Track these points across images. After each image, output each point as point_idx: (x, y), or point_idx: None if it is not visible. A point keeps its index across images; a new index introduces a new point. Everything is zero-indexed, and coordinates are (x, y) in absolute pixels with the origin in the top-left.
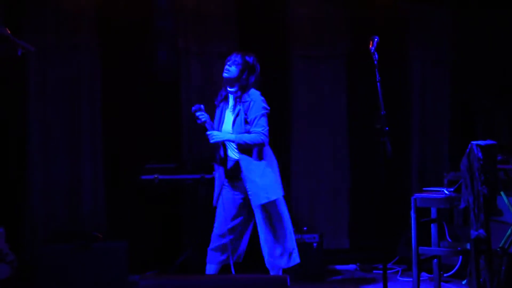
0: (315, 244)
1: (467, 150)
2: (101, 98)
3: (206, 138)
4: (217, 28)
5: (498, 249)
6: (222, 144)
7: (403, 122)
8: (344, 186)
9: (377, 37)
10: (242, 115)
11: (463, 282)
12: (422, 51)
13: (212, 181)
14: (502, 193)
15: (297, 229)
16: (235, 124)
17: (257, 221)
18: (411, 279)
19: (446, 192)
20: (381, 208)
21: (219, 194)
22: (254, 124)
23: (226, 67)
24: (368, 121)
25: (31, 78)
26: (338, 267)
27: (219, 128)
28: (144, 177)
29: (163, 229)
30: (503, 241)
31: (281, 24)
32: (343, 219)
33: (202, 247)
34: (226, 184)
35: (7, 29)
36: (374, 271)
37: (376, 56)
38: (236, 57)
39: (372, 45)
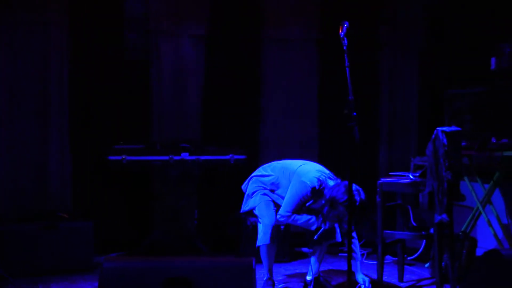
0: (282, 227)
1: (433, 136)
2: (69, 76)
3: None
4: (189, 9)
5: (460, 233)
6: None
7: (372, 107)
8: None
9: (347, 22)
10: None
11: (426, 265)
12: (392, 37)
13: (180, 162)
14: (465, 178)
15: None
16: None
17: None
18: (375, 262)
19: (411, 177)
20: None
21: None
22: None
23: None
24: (338, 106)
25: None
26: (305, 249)
27: None
28: (111, 157)
29: (130, 210)
30: (464, 226)
31: (253, 7)
32: None
33: (169, 228)
34: None
35: None
36: (339, 254)
37: (346, 41)
38: None
39: (342, 31)
